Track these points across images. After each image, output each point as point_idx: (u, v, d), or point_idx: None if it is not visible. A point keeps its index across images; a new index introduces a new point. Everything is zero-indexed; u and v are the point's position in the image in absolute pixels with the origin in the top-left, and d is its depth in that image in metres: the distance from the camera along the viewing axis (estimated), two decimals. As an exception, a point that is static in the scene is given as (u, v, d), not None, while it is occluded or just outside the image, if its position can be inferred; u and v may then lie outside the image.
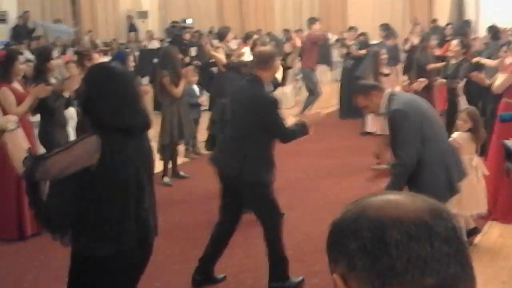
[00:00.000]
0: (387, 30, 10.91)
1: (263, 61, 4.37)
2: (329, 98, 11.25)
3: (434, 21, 16.38)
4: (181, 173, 7.55)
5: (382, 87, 4.53)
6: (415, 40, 11.27)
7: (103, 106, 2.69)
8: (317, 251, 5.12)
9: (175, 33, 14.94)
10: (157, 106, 10.57)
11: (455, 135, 5.15)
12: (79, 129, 6.29)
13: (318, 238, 5.40)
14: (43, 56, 5.92)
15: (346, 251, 0.93)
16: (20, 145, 2.70)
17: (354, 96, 4.43)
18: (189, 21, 18.52)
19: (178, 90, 7.08)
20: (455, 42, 7.43)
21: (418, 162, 4.07)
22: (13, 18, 16.75)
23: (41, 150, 6.05)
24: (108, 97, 2.70)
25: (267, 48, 4.80)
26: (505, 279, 4.63)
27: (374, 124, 7.93)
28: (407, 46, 11.58)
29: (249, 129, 4.29)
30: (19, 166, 2.63)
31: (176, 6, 21.30)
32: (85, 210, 2.69)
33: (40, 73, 5.81)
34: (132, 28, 18.22)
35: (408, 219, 0.91)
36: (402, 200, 0.95)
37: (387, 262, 0.89)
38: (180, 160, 8.02)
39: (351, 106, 11.11)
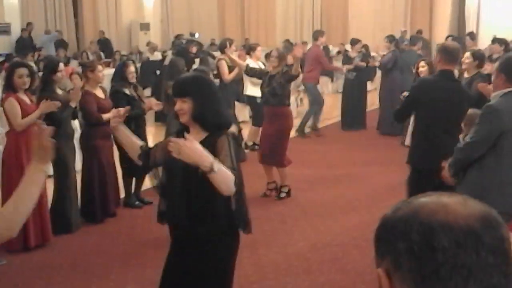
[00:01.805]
0: (393, 41, 10.89)
1: (452, 55, 4.54)
2: (331, 110, 11.29)
3: (419, 32, 16.46)
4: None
5: None
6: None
7: (217, 108, 3.12)
8: (323, 261, 5.12)
9: (182, 45, 15.03)
10: (159, 117, 10.60)
11: None
12: (84, 140, 6.28)
13: (323, 249, 5.41)
14: (49, 68, 5.93)
15: (394, 250, 0.95)
16: (226, 172, 2.84)
17: (496, 72, 3.97)
18: (197, 35, 18.74)
19: None
20: (467, 54, 6.71)
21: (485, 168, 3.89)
22: (16, 29, 16.82)
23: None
24: (216, 100, 3.14)
25: (452, 43, 4.94)
26: None
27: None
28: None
29: (452, 124, 4.48)
30: (232, 187, 2.86)
31: (178, 18, 21.41)
32: (210, 199, 3.00)
33: (46, 84, 5.82)
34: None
35: (457, 226, 0.92)
36: (454, 204, 0.96)
37: (432, 266, 0.91)
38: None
39: (354, 117, 11.26)
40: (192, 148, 2.72)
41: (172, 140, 2.81)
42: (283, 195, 7.02)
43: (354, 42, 11.84)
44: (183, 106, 3.06)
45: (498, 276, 0.91)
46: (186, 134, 2.89)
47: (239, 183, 2.94)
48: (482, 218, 0.94)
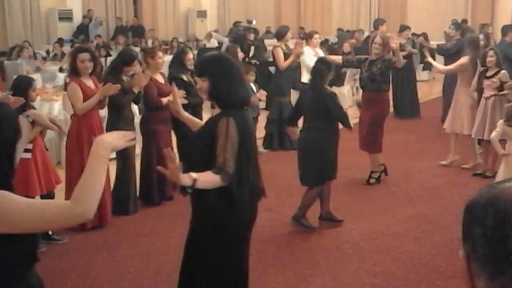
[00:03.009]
0: (459, 28, 10.59)
1: None
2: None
3: (465, 21, 15.92)
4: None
5: None
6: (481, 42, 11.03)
7: (231, 88, 3.24)
8: (378, 250, 5.11)
9: (239, 33, 15.13)
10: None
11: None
12: (143, 125, 6.43)
13: (378, 238, 5.39)
14: (124, 60, 6.07)
15: (472, 234, 0.98)
16: (207, 175, 3.05)
17: None
18: (254, 22, 18.83)
19: None
20: None
21: None
22: (77, 16, 17.25)
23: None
24: (231, 80, 3.27)
25: None
26: None
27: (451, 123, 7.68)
28: None
29: None
30: (218, 183, 3.06)
31: (235, 5, 21.50)
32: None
33: (114, 70, 5.98)
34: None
35: None
36: None
37: (504, 253, 0.92)
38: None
39: (406, 105, 11.10)
40: (172, 172, 2.95)
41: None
42: (372, 181, 7.11)
43: (402, 28, 11.61)
44: (203, 85, 3.29)
45: None
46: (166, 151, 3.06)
47: (237, 163, 3.11)
48: None
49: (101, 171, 2.10)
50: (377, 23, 11.01)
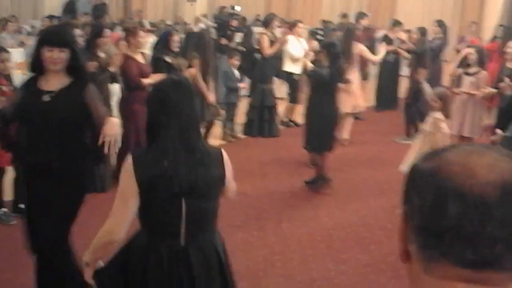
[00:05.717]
0: (442, 26, 10.65)
1: None
2: (369, 92, 11.23)
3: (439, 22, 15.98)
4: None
5: None
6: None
7: (84, 60, 3.64)
8: (347, 239, 5.18)
9: (223, 19, 15.04)
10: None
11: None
12: (122, 104, 6.43)
13: (348, 228, 5.46)
14: (95, 32, 6.11)
15: (411, 201, 0.97)
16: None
17: None
18: (237, 8, 18.69)
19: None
20: (510, 44, 6.90)
21: None
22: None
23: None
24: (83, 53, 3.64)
25: None
26: None
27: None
28: (462, 44, 11.46)
29: None
30: None
31: (225, -10, 21.37)
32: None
33: (90, 47, 5.98)
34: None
35: (471, 196, 0.89)
36: (481, 168, 0.91)
37: (437, 230, 0.91)
38: (217, 142, 8.14)
39: (387, 98, 11.20)
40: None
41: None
42: None
43: (395, 24, 11.69)
44: (61, 55, 3.38)
45: (501, 246, 0.88)
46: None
47: None
48: (504, 187, 0.88)
49: None
50: (359, 17, 11.06)
